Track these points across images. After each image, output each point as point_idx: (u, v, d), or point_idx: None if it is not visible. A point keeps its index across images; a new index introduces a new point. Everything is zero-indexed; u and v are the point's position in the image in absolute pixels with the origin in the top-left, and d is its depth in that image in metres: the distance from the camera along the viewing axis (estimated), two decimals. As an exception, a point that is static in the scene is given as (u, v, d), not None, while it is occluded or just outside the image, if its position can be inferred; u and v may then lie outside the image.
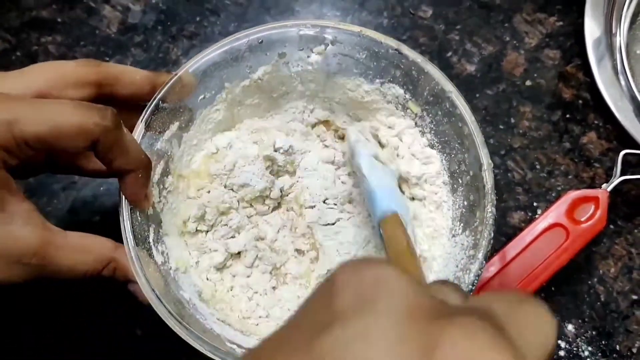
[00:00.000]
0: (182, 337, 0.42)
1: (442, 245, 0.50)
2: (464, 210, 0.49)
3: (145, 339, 0.58)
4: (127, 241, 0.44)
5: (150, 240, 0.47)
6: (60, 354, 0.57)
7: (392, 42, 0.49)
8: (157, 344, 0.57)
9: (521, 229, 0.61)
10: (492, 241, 0.45)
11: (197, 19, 0.70)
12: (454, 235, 0.49)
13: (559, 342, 0.59)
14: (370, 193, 0.49)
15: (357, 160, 0.51)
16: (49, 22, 0.68)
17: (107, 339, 0.58)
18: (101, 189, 0.62)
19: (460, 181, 0.49)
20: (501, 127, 0.66)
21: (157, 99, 0.47)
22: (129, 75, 0.46)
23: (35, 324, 0.57)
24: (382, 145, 0.55)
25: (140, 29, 0.69)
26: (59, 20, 0.68)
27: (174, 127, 0.49)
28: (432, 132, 0.51)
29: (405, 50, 0.49)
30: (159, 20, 0.69)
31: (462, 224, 0.49)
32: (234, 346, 0.45)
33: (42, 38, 0.68)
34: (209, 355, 0.42)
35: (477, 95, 0.67)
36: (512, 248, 0.59)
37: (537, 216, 0.62)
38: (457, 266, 0.47)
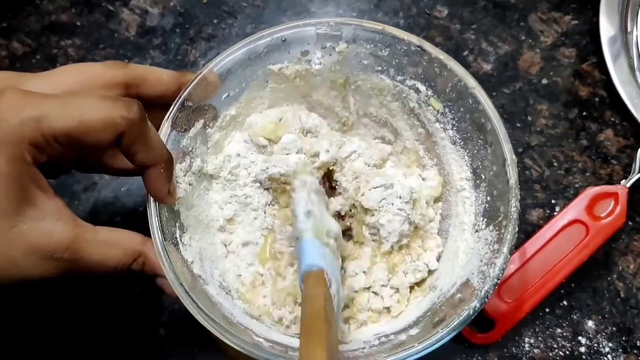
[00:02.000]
0: (211, 330, 0.42)
1: (465, 241, 0.50)
2: (487, 205, 0.49)
3: (168, 339, 0.59)
4: (156, 236, 0.44)
5: (177, 235, 0.47)
6: (83, 353, 0.58)
7: (414, 39, 0.49)
8: (180, 344, 0.58)
9: (540, 226, 0.61)
10: (516, 235, 0.45)
11: (215, 21, 0.70)
12: (477, 231, 0.49)
13: (580, 338, 0.59)
14: (300, 242, 0.48)
15: (295, 202, 0.50)
16: (68, 25, 0.69)
17: (131, 339, 0.58)
18: (122, 189, 0.63)
19: (483, 177, 0.49)
20: (518, 125, 0.66)
21: (182, 97, 0.48)
22: (155, 75, 0.47)
23: (59, 324, 0.58)
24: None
25: (158, 31, 0.70)
26: (78, 23, 0.69)
27: (198, 124, 0.50)
28: (454, 128, 0.51)
29: (428, 47, 0.49)
30: (177, 22, 0.70)
31: (485, 219, 0.49)
32: (261, 339, 0.45)
33: (62, 41, 0.68)
34: (236, 348, 0.42)
35: (494, 93, 0.67)
36: (532, 245, 0.60)
37: (555, 213, 0.63)
38: (481, 261, 0.47)
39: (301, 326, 0.40)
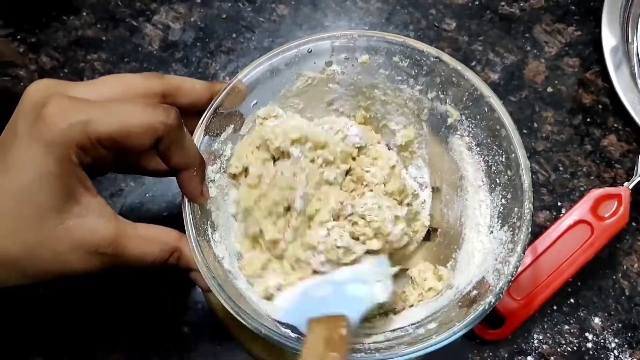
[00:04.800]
0: (242, 321, 0.44)
1: (481, 242, 0.52)
2: (501, 208, 0.51)
3: (192, 337, 0.61)
4: (190, 232, 0.46)
5: (209, 233, 0.50)
6: (111, 349, 0.60)
7: (433, 51, 0.52)
8: (204, 342, 0.61)
9: (547, 228, 0.64)
10: (529, 235, 0.48)
11: (234, 35, 0.73)
12: (491, 232, 0.52)
13: (587, 334, 0.62)
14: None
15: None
16: (94, 40, 0.72)
17: (156, 337, 0.61)
18: (147, 195, 0.66)
19: (498, 181, 0.52)
20: (525, 131, 0.69)
21: (215, 104, 0.50)
22: (189, 85, 0.50)
23: (88, 322, 0.61)
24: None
25: (180, 45, 0.72)
26: (104, 38, 0.72)
27: (229, 129, 0.52)
28: (471, 135, 0.54)
29: (446, 58, 0.52)
30: (197, 37, 0.73)
31: (500, 221, 0.51)
32: (288, 330, 0.47)
33: (88, 55, 0.71)
34: (266, 337, 0.44)
35: (501, 102, 0.70)
36: (540, 245, 0.62)
37: (561, 215, 0.65)
38: (496, 259, 0.49)
39: None
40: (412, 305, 0.54)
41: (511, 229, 0.49)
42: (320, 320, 0.46)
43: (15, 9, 0.73)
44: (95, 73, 0.70)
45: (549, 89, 0.71)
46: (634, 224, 0.66)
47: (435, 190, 0.60)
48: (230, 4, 0.75)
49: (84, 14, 0.73)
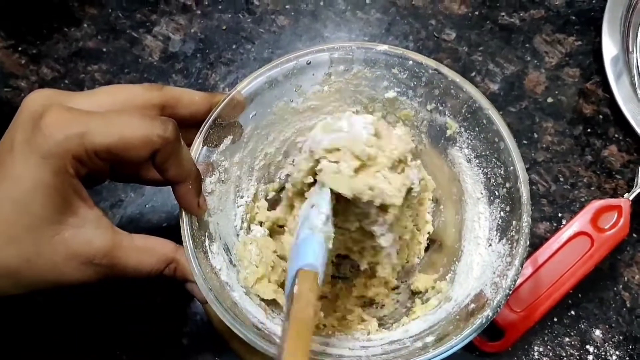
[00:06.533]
0: (238, 332, 0.44)
1: (480, 255, 0.52)
2: (500, 220, 0.51)
3: (191, 349, 0.61)
4: (187, 244, 0.47)
5: (206, 244, 0.50)
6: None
7: (431, 63, 0.52)
8: (202, 353, 0.61)
9: (547, 239, 0.63)
10: (528, 248, 0.48)
11: (234, 46, 0.74)
12: (490, 245, 0.52)
13: (588, 346, 0.62)
14: (305, 238, 0.45)
15: (317, 201, 0.47)
16: (95, 51, 0.72)
17: (154, 348, 0.61)
18: (146, 206, 0.66)
19: (497, 193, 0.52)
20: (525, 142, 0.69)
21: (214, 115, 0.51)
22: (188, 96, 0.50)
23: (84, 334, 0.61)
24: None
25: (180, 56, 0.73)
26: (104, 50, 0.73)
27: (227, 140, 0.53)
28: (470, 147, 0.54)
29: (445, 70, 0.52)
30: (197, 48, 0.73)
31: (498, 234, 0.51)
32: None
33: (89, 67, 0.72)
34: (262, 350, 0.44)
35: (501, 112, 0.68)
36: (539, 257, 0.62)
37: (562, 226, 0.65)
38: (494, 272, 0.49)
39: (290, 326, 0.39)
40: (416, 318, 0.54)
41: (509, 242, 0.49)
42: (305, 271, 0.43)
43: (17, 21, 0.73)
44: (96, 84, 0.71)
45: (549, 100, 0.71)
46: (634, 235, 0.65)
47: (435, 201, 0.60)
48: (230, 15, 0.75)
49: (85, 25, 0.73)
